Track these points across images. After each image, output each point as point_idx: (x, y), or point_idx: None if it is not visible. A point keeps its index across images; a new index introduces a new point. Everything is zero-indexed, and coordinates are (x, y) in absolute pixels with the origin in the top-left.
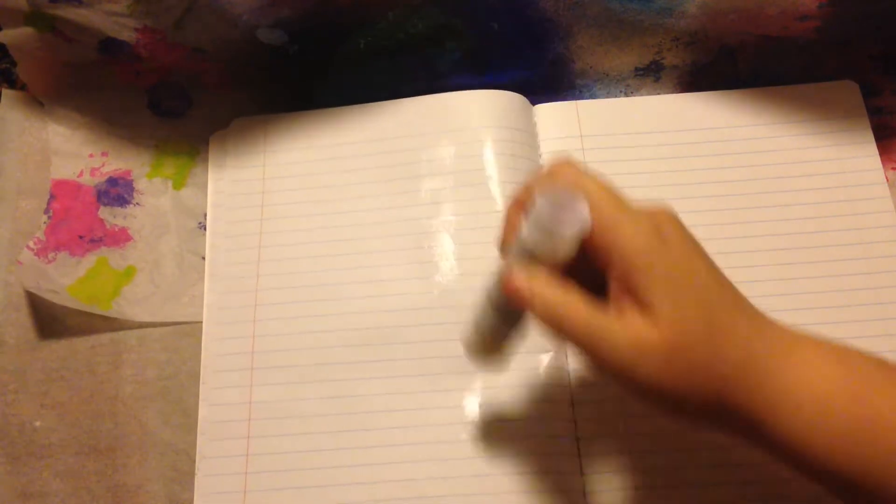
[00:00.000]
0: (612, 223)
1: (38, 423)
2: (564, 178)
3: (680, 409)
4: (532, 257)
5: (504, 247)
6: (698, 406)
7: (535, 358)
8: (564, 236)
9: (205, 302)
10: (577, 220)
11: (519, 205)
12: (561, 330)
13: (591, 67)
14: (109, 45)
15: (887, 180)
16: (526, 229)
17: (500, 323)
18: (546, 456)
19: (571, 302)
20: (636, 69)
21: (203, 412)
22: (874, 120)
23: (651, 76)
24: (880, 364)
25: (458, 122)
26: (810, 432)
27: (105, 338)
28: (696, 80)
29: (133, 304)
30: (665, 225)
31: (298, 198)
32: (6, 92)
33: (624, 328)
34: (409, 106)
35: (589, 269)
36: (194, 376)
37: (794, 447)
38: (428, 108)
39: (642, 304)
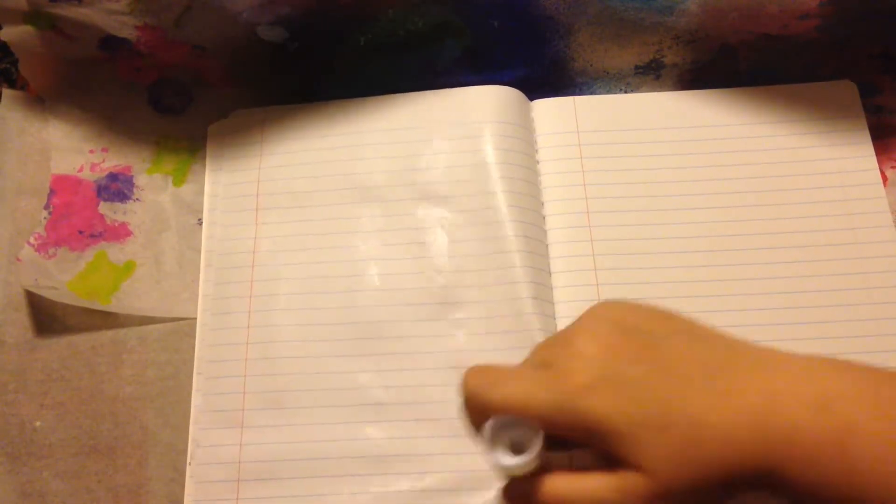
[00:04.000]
0: (545, 417)
1: (38, 423)
2: (484, 402)
3: None
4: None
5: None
6: (725, 498)
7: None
8: (519, 467)
9: (200, 293)
10: (526, 447)
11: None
12: None
13: (591, 65)
14: (110, 43)
15: (886, 179)
16: (492, 465)
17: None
18: None
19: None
20: (636, 67)
21: (197, 401)
22: (874, 119)
23: (651, 74)
24: (848, 369)
25: (456, 118)
26: (818, 470)
27: (105, 338)
28: (696, 78)
29: (132, 298)
30: (583, 370)
31: (294, 188)
32: (6, 92)
33: (627, 494)
34: (408, 101)
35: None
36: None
37: (814, 491)
38: (426, 104)
39: (622, 463)
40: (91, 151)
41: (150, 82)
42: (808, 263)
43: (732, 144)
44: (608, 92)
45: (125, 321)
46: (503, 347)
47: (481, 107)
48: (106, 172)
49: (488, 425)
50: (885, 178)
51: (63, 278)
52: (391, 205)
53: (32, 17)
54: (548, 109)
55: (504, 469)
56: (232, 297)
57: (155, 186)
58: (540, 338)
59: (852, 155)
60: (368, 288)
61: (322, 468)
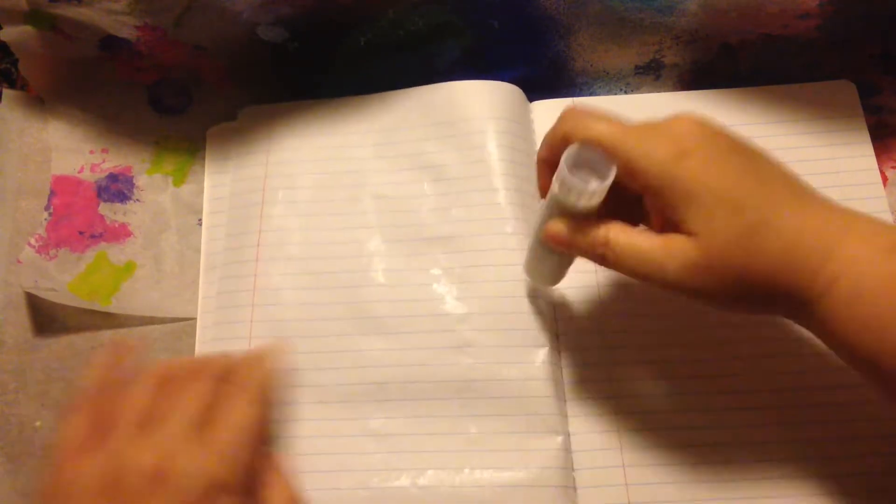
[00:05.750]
0: (631, 161)
1: (38, 423)
2: (576, 130)
3: (733, 306)
4: (567, 208)
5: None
6: (748, 300)
7: (532, 352)
8: (590, 193)
9: (200, 294)
10: (598, 175)
11: (544, 161)
12: (619, 269)
13: (591, 66)
14: (110, 43)
15: (886, 179)
16: (557, 188)
17: (548, 254)
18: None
19: (620, 242)
20: (636, 67)
21: None
22: (874, 119)
23: (651, 74)
24: None
25: (461, 112)
26: (846, 313)
27: (105, 338)
28: (696, 78)
29: (133, 299)
30: (685, 139)
31: (299, 184)
32: (6, 92)
33: (671, 254)
34: (413, 96)
35: (625, 194)
36: None
37: (833, 327)
38: (431, 98)
39: (678, 226)
40: (91, 152)
41: (150, 82)
42: None
43: None
44: (608, 92)
45: (125, 321)
46: (504, 345)
47: (486, 101)
48: (106, 173)
49: (572, 147)
50: (885, 178)
51: (63, 279)
52: (397, 202)
53: (32, 17)
54: (547, 110)
55: (577, 191)
56: (235, 291)
57: (155, 187)
58: (541, 336)
59: (852, 155)
60: (373, 283)
61: (329, 464)
